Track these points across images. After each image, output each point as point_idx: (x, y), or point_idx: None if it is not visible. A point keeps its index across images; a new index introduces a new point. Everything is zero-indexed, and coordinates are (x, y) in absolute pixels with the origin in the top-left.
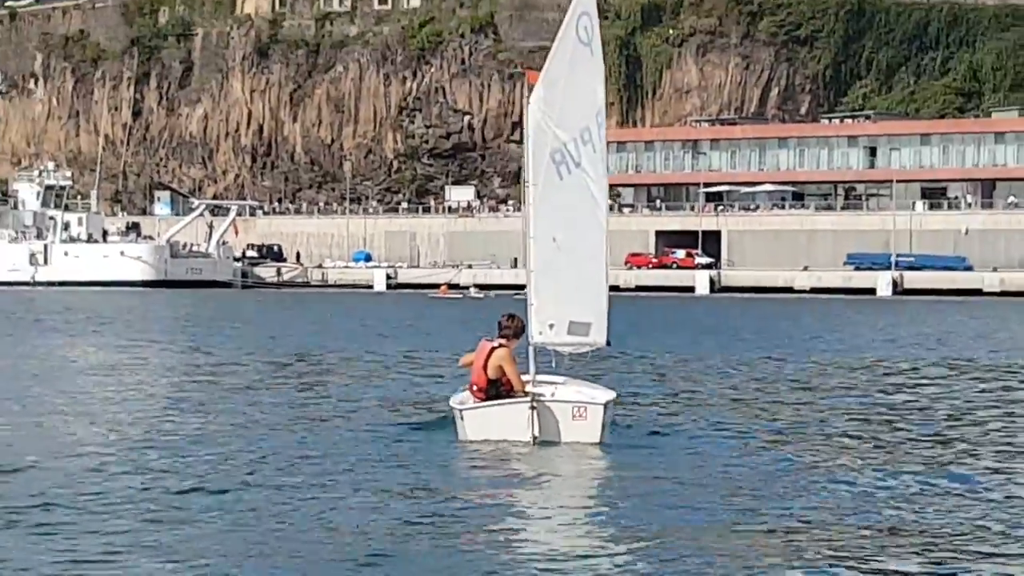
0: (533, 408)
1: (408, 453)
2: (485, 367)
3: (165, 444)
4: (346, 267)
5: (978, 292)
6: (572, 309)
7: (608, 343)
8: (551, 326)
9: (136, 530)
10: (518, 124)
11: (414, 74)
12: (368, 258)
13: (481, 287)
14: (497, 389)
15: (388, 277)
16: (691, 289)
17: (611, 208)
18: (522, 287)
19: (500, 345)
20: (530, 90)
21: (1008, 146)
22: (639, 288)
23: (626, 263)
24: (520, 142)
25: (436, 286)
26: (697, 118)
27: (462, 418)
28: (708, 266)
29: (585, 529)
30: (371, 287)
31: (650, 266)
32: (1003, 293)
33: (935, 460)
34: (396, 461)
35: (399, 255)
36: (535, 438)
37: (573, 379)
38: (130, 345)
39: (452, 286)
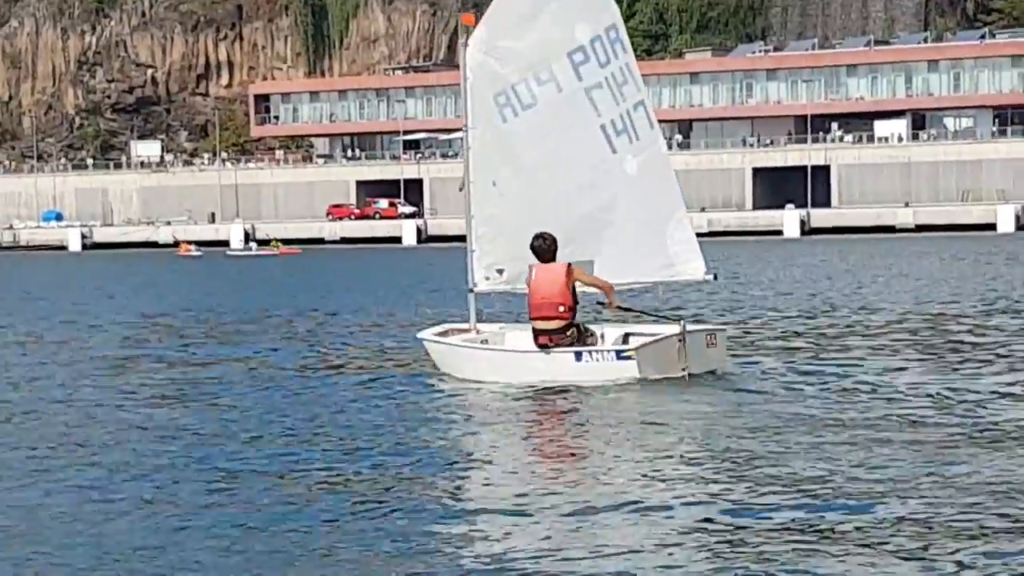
0: (682, 340)
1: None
2: (568, 285)
3: None
4: (37, 227)
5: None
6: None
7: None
8: (500, 271)
9: None
10: (203, 77)
11: (93, 28)
12: (59, 217)
13: (199, 244)
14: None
15: (83, 236)
16: (398, 240)
17: (308, 159)
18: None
19: (568, 264)
20: (465, 32)
21: (703, 86)
22: (344, 240)
23: (328, 215)
24: (206, 95)
25: (136, 244)
26: (388, 66)
27: (633, 357)
28: (412, 215)
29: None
30: (65, 248)
31: (352, 217)
32: (711, 233)
33: None
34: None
35: (91, 213)
36: (685, 370)
37: (512, 324)
38: None
39: (190, 243)
